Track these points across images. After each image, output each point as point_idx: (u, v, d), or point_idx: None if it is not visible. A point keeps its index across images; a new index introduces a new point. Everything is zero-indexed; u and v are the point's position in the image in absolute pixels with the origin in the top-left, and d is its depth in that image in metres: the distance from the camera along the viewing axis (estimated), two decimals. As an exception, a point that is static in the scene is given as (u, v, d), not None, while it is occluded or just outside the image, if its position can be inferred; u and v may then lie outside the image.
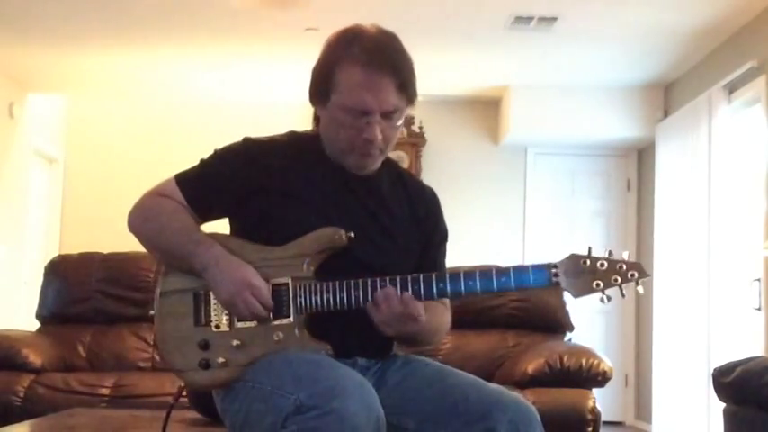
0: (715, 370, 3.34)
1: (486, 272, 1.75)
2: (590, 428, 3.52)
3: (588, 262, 1.73)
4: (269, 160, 1.87)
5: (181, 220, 1.84)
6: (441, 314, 1.93)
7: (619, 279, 1.72)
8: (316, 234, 1.79)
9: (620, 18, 5.38)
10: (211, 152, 1.91)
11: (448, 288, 1.76)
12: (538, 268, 1.76)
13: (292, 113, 7.09)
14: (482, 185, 7.32)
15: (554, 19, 5.38)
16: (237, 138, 1.95)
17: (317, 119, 1.93)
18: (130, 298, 4.26)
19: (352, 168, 1.87)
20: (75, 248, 4.72)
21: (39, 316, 4.35)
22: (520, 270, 1.75)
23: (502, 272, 1.75)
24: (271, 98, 7.14)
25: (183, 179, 1.89)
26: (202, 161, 1.91)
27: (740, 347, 5.02)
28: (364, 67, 1.78)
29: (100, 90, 7.46)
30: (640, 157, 7.31)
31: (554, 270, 1.74)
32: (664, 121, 6.64)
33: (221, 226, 1.94)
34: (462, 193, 7.04)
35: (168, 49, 6.19)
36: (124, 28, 5.73)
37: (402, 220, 1.93)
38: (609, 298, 1.73)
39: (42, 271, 4.42)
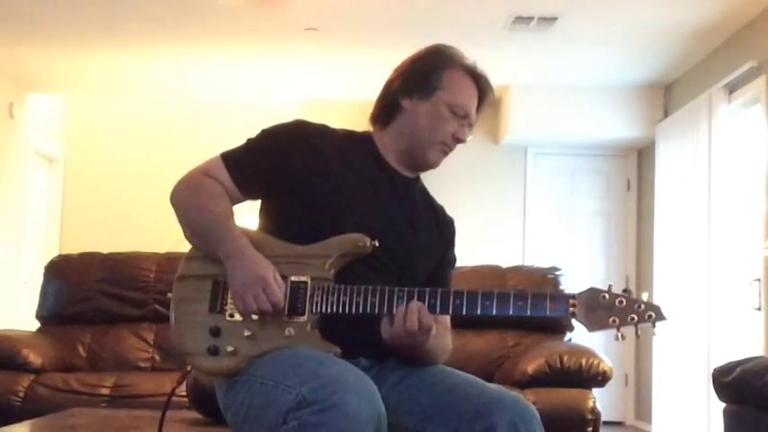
0: (715, 370, 3.34)
1: (503, 295, 1.76)
2: (590, 428, 3.52)
3: (607, 297, 1.73)
4: (319, 143, 1.92)
5: (220, 205, 1.88)
6: (444, 335, 1.93)
7: (636, 318, 1.72)
8: (341, 238, 1.82)
9: (620, 18, 5.38)
10: (258, 131, 1.95)
11: (464, 306, 1.76)
12: (556, 298, 1.76)
13: (292, 113, 7.11)
14: (482, 185, 7.32)
15: (554, 19, 5.38)
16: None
17: (389, 114, 1.97)
18: (130, 298, 4.26)
19: (428, 161, 1.97)
20: (75, 248, 4.71)
21: (39, 316, 4.34)
22: (537, 297, 1.75)
23: (519, 297, 1.75)
24: (271, 98, 7.14)
25: (229, 155, 1.93)
26: (249, 139, 1.96)
27: (740, 347, 5.02)
28: (471, 76, 1.98)
29: (100, 90, 7.46)
30: (640, 157, 7.31)
31: (572, 301, 1.74)
32: (664, 121, 6.64)
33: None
34: (462, 193, 7.02)
35: (168, 49, 6.19)
36: (124, 28, 5.73)
37: (428, 228, 1.99)
38: (623, 336, 1.73)
39: (42, 271, 4.42)
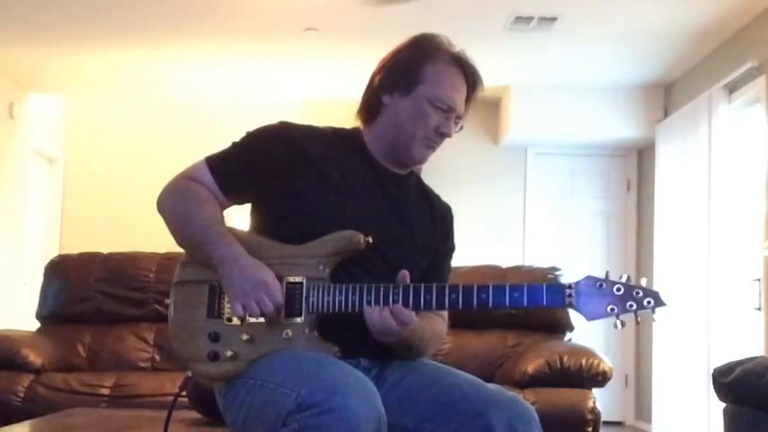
0: (715, 370, 3.33)
1: (499, 287, 1.74)
2: (590, 428, 3.52)
3: (604, 285, 1.71)
4: (305, 144, 1.88)
5: (209, 210, 1.85)
6: (436, 323, 1.93)
7: (634, 306, 1.70)
8: (334, 236, 1.80)
9: (620, 18, 5.38)
10: (243, 134, 1.92)
11: (460, 300, 1.75)
12: (553, 288, 1.74)
13: (292, 113, 7.13)
14: (482, 185, 7.32)
15: (554, 19, 5.38)
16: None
17: (372, 111, 1.94)
18: (130, 298, 4.26)
19: (413, 157, 1.93)
20: (75, 248, 4.71)
21: (39, 316, 4.34)
22: (534, 288, 1.73)
23: (515, 288, 1.73)
24: (271, 98, 7.14)
25: (213, 160, 1.90)
26: (234, 142, 1.92)
27: (740, 347, 5.02)
28: (456, 67, 1.92)
29: (100, 90, 7.46)
30: (640, 157, 7.31)
31: (569, 291, 1.72)
32: (664, 121, 6.64)
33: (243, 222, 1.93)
34: (462, 193, 7.02)
35: (168, 49, 6.19)
36: (124, 28, 5.74)
37: (423, 223, 1.97)
38: (623, 324, 1.71)
39: (42, 271, 4.41)
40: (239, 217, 2.03)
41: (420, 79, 1.89)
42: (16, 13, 5.44)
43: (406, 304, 1.74)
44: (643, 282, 1.72)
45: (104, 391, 3.75)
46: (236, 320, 1.79)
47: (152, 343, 4.20)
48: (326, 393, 1.55)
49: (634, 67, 6.36)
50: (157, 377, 3.86)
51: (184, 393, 2.82)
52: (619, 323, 1.72)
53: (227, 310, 1.80)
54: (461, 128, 1.96)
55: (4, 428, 2.76)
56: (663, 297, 1.71)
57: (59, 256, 4.74)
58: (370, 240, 1.80)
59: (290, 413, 1.57)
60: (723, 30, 5.49)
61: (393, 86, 1.91)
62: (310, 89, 7.10)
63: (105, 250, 4.48)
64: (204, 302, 1.82)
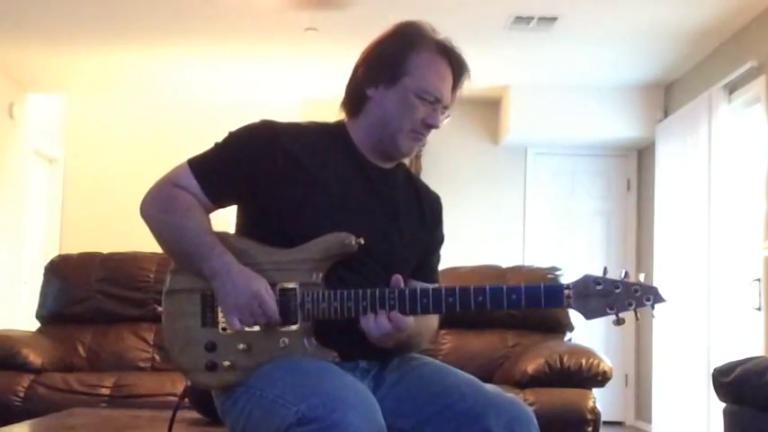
0: (715, 370, 3.34)
1: (496, 289, 1.72)
2: (590, 428, 3.52)
3: (602, 284, 1.69)
4: (289, 142, 1.83)
5: (195, 219, 1.79)
6: (428, 317, 1.89)
7: (633, 303, 1.68)
8: (326, 239, 1.76)
9: (620, 18, 5.38)
10: (226, 134, 1.87)
11: (457, 303, 1.73)
12: (550, 289, 1.72)
13: (292, 113, 7.13)
14: (482, 185, 7.32)
15: (554, 19, 5.38)
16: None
17: (357, 104, 1.89)
18: (130, 298, 4.26)
19: (400, 150, 1.88)
20: (75, 248, 4.71)
21: (39, 316, 4.34)
22: (531, 289, 1.72)
23: (513, 290, 1.72)
24: (271, 98, 7.14)
25: (196, 162, 1.84)
26: (217, 143, 1.87)
27: (740, 347, 5.02)
28: (441, 56, 1.87)
29: (100, 90, 7.46)
30: (640, 157, 7.31)
31: (567, 291, 1.70)
32: (664, 121, 6.64)
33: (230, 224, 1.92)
34: (462, 193, 7.04)
35: (168, 49, 6.19)
36: (124, 28, 5.73)
37: (412, 218, 1.93)
38: (623, 321, 1.70)
39: (42, 271, 4.42)
40: (234, 219, 2.02)
41: (405, 71, 1.84)
42: (16, 13, 5.44)
43: (403, 310, 1.72)
44: (641, 277, 1.71)
45: (104, 391, 3.75)
46: (231, 329, 1.75)
47: (152, 343, 4.20)
48: (327, 408, 1.54)
49: (634, 67, 6.36)
50: (157, 377, 3.86)
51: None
52: (618, 320, 1.70)
53: (221, 319, 1.76)
54: (448, 117, 1.92)
55: (4, 428, 2.76)
56: (662, 293, 1.70)
57: (59, 256, 4.74)
58: (362, 242, 1.77)
59: (291, 426, 1.56)
60: (723, 30, 5.49)
61: (377, 78, 1.86)
62: (310, 89, 7.10)
63: (105, 250, 4.48)
64: (197, 312, 1.78)
